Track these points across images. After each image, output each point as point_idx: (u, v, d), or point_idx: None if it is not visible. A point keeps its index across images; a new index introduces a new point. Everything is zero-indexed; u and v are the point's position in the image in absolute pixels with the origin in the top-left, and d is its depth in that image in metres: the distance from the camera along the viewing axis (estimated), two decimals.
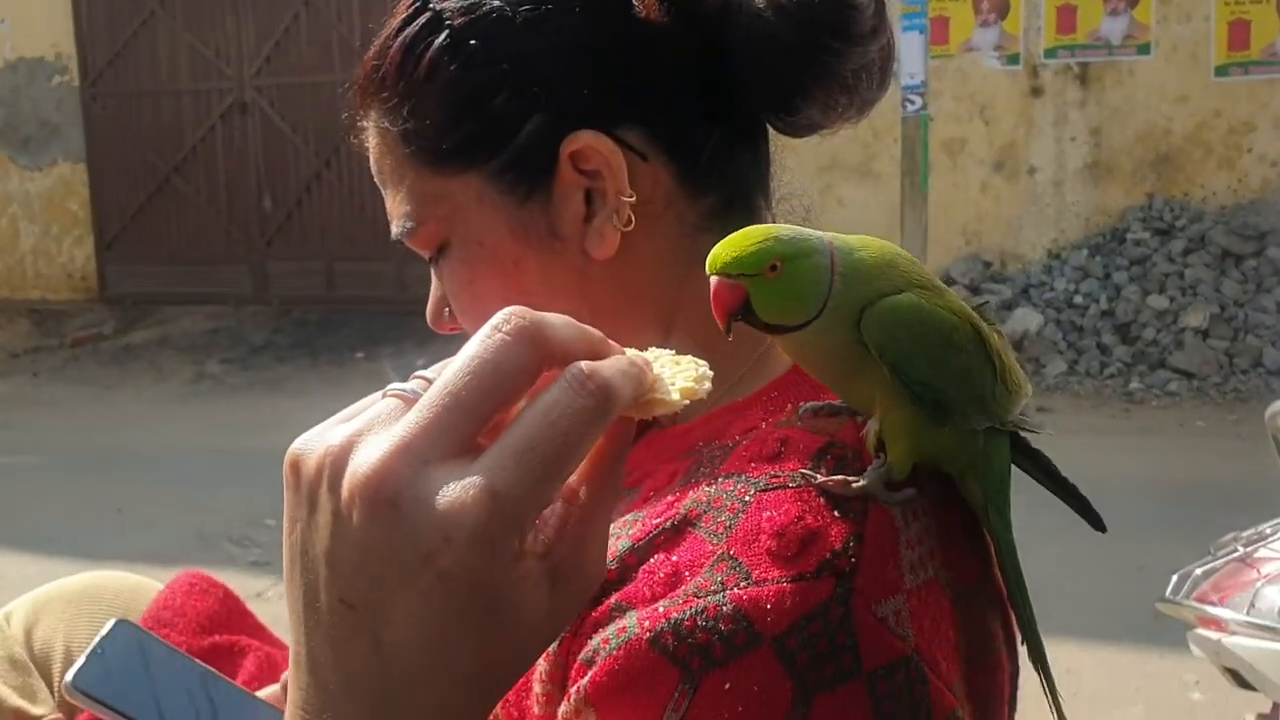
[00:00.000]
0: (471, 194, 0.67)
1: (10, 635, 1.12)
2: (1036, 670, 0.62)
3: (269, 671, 1.10)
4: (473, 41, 0.64)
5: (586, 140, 0.64)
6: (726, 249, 0.54)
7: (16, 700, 1.05)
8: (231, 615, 1.16)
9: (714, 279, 0.54)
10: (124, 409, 6.40)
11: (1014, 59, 6.73)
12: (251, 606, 1.20)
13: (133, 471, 4.94)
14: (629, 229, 0.65)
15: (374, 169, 0.71)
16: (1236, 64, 6.44)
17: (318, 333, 7.70)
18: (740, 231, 0.55)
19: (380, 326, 7.52)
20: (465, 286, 0.69)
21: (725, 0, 0.65)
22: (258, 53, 8.10)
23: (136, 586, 1.19)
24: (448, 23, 0.65)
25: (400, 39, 0.66)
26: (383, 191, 0.71)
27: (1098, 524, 0.64)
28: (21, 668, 1.09)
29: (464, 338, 0.74)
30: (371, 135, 0.70)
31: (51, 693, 1.10)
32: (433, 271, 0.73)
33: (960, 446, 0.57)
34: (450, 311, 0.74)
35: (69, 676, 0.78)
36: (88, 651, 0.80)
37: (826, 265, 0.54)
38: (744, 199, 0.69)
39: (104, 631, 0.82)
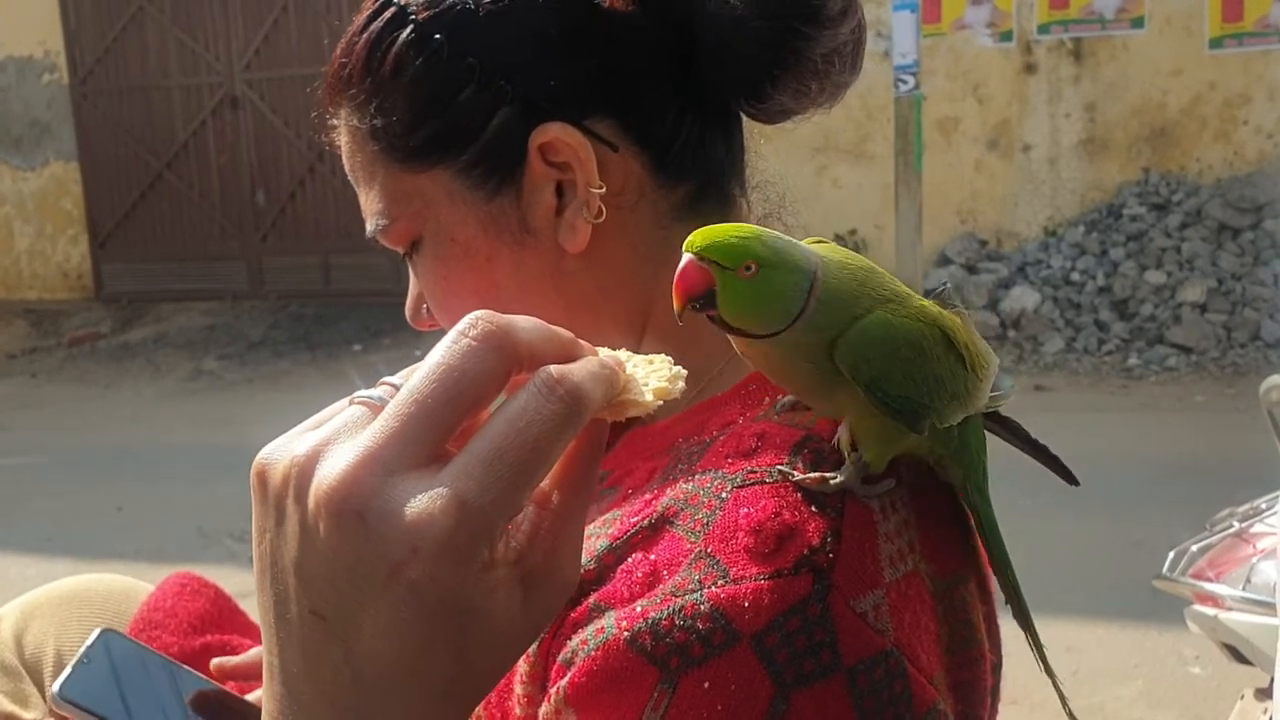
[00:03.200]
0: (441, 189, 0.66)
1: (1, 640, 1.12)
2: (1024, 630, 0.62)
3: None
4: (437, 35, 0.64)
5: (555, 132, 0.63)
6: (708, 234, 0.52)
7: (8, 705, 1.04)
8: (223, 615, 1.15)
9: (686, 256, 0.52)
10: (123, 407, 6.40)
11: (1007, 36, 6.70)
12: (253, 603, 1.20)
13: (133, 469, 4.94)
14: (600, 221, 0.65)
15: (346, 167, 0.71)
16: (1230, 36, 6.41)
17: (315, 327, 7.69)
18: (730, 224, 0.53)
19: (377, 319, 7.52)
20: (439, 283, 0.69)
21: None
22: (246, 46, 8.07)
23: (127, 589, 1.18)
24: (412, 17, 0.64)
25: (365, 35, 0.66)
26: (356, 189, 0.71)
27: (1070, 479, 0.64)
28: (12, 673, 1.09)
29: (442, 335, 0.74)
30: (342, 133, 0.70)
31: (43, 697, 1.09)
32: (409, 268, 0.72)
33: (936, 440, 0.57)
34: (429, 308, 0.73)
35: (55, 686, 0.78)
36: (74, 661, 0.80)
37: (805, 287, 0.52)
38: (717, 187, 0.69)
39: (89, 641, 0.82)
